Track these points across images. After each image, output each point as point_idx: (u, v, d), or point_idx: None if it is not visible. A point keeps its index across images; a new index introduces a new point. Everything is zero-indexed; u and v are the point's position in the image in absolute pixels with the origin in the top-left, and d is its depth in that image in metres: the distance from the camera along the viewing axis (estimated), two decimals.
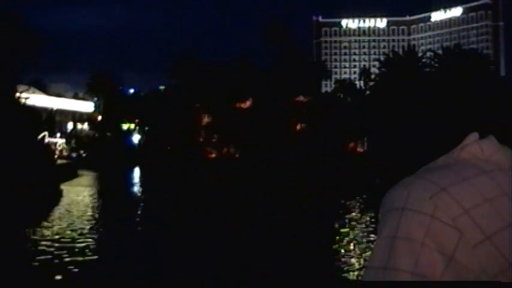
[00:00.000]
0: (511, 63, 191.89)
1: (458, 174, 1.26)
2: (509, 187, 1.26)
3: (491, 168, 1.29)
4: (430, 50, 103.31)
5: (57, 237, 20.31)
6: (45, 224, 23.52)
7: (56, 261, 15.81)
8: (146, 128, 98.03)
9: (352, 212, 28.14)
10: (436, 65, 78.73)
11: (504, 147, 1.38)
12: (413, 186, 1.24)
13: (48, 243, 18.89)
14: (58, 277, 13.80)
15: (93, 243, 19.33)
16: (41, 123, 65.29)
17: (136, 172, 69.84)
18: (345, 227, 22.99)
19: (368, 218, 24.79)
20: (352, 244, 18.99)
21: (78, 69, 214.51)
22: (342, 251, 17.89)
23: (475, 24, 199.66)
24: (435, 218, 1.18)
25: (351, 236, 20.61)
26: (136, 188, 48.68)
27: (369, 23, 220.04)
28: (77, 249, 17.77)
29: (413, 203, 1.20)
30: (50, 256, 16.64)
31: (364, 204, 30.81)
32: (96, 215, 27.86)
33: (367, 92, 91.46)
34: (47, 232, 21.43)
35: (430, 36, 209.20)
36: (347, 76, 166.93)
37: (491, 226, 1.18)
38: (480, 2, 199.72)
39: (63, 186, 39.43)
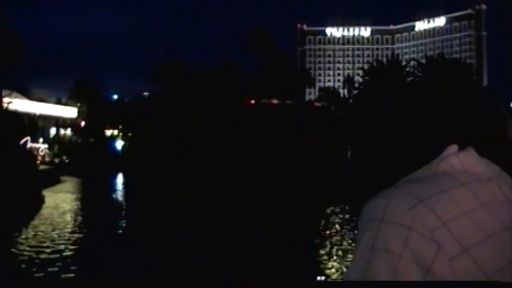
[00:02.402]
0: (493, 73, 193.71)
1: (437, 186, 1.26)
2: (487, 199, 1.26)
3: (469, 180, 1.29)
4: (413, 59, 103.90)
5: (37, 243, 20.11)
6: (26, 231, 23.30)
7: (35, 268, 15.65)
8: (130, 134, 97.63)
9: (335, 221, 28.13)
10: (420, 74, 79.25)
11: (483, 159, 1.38)
12: (391, 198, 1.24)
13: (29, 249, 18.71)
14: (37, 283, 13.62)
15: (74, 250, 19.17)
16: (23, 128, 64.81)
17: (120, 178, 69.50)
18: (325, 236, 22.97)
19: (349, 228, 24.79)
20: (330, 254, 18.95)
21: (61, 74, 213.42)
22: (321, 260, 17.84)
23: (458, 34, 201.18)
24: (413, 230, 1.18)
25: (331, 245, 20.58)
26: (119, 194, 48.42)
27: (353, 31, 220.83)
28: (57, 256, 17.60)
29: (391, 214, 1.20)
30: (29, 262, 16.48)
31: (346, 214, 30.82)
32: (78, 222, 27.65)
33: (351, 101, 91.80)
34: (27, 239, 21.23)
35: (413, 46, 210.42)
36: (331, 84, 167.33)
37: (468, 239, 1.18)
38: (463, 12, 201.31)
39: (45, 192, 39.03)
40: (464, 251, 1.17)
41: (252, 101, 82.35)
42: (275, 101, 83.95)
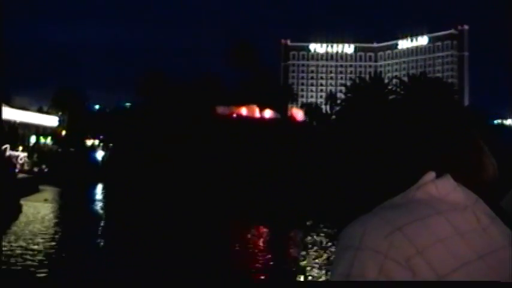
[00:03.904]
0: (474, 92, 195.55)
1: (413, 214, 1.26)
2: (463, 228, 1.28)
3: (445, 209, 1.30)
4: (396, 77, 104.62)
5: (13, 252, 19.88)
6: (3, 240, 22.98)
7: (11, 276, 15.46)
8: (110, 145, 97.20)
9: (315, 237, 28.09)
10: (402, 92, 79.78)
11: (460, 187, 1.38)
12: (369, 224, 1.25)
13: (5, 258, 18.46)
14: None
15: (49, 259, 18.98)
16: (2, 135, 64.28)
17: (99, 189, 69.06)
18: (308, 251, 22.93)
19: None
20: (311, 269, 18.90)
21: (43, 83, 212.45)
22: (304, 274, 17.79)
23: (441, 53, 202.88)
24: (389, 257, 1.19)
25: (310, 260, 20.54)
26: (98, 204, 48.06)
27: (336, 48, 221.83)
28: (33, 264, 17.42)
29: (368, 241, 1.21)
30: (6, 269, 16.27)
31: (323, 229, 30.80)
32: (55, 231, 27.39)
33: (333, 117, 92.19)
34: (3, 248, 20.95)
35: (396, 64, 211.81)
36: (313, 100, 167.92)
37: (444, 267, 1.19)
38: (446, 32, 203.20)
39: (23, 201, 38.59)
40: (439, 279, 1.18)
41: (234, 115, 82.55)
42: (256, 115, 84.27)
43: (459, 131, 1.50)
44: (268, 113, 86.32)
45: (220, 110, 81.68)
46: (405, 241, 1.20)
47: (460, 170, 1.44)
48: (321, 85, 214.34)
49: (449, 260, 1.21)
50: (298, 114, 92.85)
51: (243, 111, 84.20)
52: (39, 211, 36.38)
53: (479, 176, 1.48)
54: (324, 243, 24.73)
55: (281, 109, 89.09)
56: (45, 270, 16.95)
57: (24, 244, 22.39)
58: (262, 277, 17.15)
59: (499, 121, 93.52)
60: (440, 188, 1.35)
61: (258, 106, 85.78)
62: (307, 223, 32.60)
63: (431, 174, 1.38)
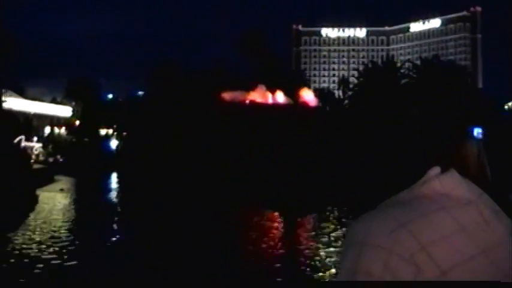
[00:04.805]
0: (488, 75, 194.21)
1: (418, 210, 1.29)
2: (467, 223, 1.30)
3: (450, 204, 1.32)
4: (408, 60, 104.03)
5: (29, 243, 20.13)
6: (20, 231, 23.27)
7: (29, 268, 15.66)
8: (124, 134, 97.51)
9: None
10: (415, 75, 79.38)
11: (464, 181, 1.40)
12: (374, 221, 1.28)
13: (23, 250, 18.71)
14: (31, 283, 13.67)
15: (66, 249, 19.19)
16: (17, 126, 64.70)
17: (114, 178, 69.41)
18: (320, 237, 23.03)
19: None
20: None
21: (56, 74, 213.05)
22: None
23: (454, 36, 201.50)
24: (393, 253, 1.22)
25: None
26: (113, 194, 48.35)
27: (348, 32, 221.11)
28: (52, 256, 17.62)
29: (373, 237, 1.24)
30: (24, 261, 16.50)
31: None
32: (71, 221, 27.65)
33: (346, 101, 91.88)
34: (21, 239, 21.23)
35: (408, 47, 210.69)
36: (326, 85, 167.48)
37: (447, 262, 1.22)
38: (459, 14, 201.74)
39: (39, 192, 38.95)
40: (443, 274, 1.21)
41: (247, 101, 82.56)
42: (269, 101, 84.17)
43: (463, 126, 1.52)
44: (280, 98, 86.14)
45: (233, 95, 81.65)
46: (409, 237, 1.23)
47: (464, 164, 1.45)
48: (333, 70, 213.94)
49: (453, 255, 1.24)
50: (309, 97, 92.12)
51: (256, 96, 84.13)
52: (55, 201, 36.68)
53: (482, 171, 1.49)
54: (338, 231, 24.79)
55: (293, 94, 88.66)
56: (61, 260, 17.14)
57: (41, 234, 22.64)
58: (275, 266, 17.27)
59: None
60: (445, 183, 1.37)
61: (270, 91, 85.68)
62: (323, 211, 32.64)
63: (436, 169, 1.40)
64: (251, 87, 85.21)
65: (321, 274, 15.64)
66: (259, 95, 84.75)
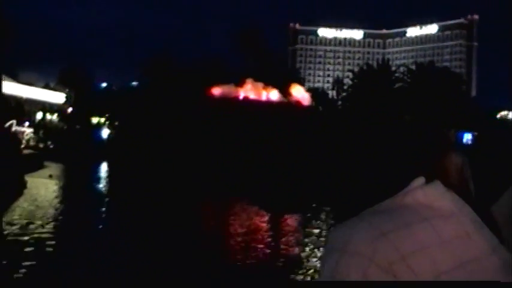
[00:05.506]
0: (482, 83, 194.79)
1: (399, 220, 1.28)
2: (448, 235, 1.29)
3: (431, 215, 1.31)
4: (403, 64, 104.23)
5: (17, 227, 20.13)
6: (8, 216, 23.25)
7: (16, 253, 15.67)
8: (116, 123, 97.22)
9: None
10: (409, 80, 79.65)
11: (448, 192, 1.39)
12: (355, 228, 1.27)
13: (9, 235, 18.72)
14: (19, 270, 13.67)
15: (52, 234, 19.21)
16: (8, 110, 64.44)
17: (104, 166, 69.30)
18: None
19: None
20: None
21: (51, 59, 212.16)
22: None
23: (450, 43, 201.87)
24: (373, 262, 1.21)
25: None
26: (102, 182, 48.30)
27: (345, 33, 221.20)
28: (39, 241, 17.62)
29: (353, 245, 1.23)
30: (11, 246, 16.51)
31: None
32: (59, 207, 27.64)
33: (339, 102, 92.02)
34: (8, 224, 21.21)
35: (404, 51, 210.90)
36: (320, 85, 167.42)
37: (426, 273, 1.21)
38: (456, 21, 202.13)
39: (28, 177, 38.84)
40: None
41: (239, 97, 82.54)
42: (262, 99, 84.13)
43: (447, 138, 1.51)
44: (274, 95, 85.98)
45: (226, 90, 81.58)
46: (390, 247, 1.22)
47: (445, 174, 1.46)
48: (328, 70, 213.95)
49: (431, 267, 1.22)
50: (303, 96, 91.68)
51: (249, 92, 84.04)
52: (44, 187, 36.63)
53: (464, 184, 1.49)
54: (322, 230, 24.87)
55: (286, 92, 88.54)
56: (48, 244, 17.17)
57: (28, 219, 22.63)
58: (258, 262, 17.34)
59: (505, 113, 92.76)
60: (428, 194, 1.36)
61: (264, 88, 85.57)
62: (310, 208, 32.68)
63: (420, 180, 1.39)
64: (244, 83, 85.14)
65: (302, 272, 15.71)
66: (252, 91, 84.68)
